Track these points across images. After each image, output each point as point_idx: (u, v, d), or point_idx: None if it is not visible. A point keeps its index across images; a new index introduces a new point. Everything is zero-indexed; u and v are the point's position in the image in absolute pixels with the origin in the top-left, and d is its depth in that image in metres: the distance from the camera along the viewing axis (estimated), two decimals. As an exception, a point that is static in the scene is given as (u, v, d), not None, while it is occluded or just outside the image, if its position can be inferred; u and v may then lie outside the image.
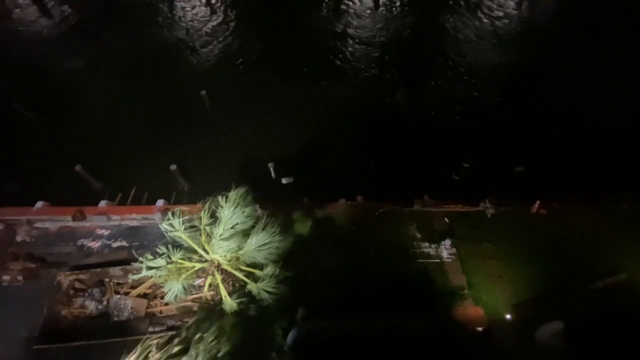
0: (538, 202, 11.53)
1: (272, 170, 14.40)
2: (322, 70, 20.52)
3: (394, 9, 26.06)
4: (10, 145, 15.58)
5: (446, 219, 11.56)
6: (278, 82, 19.22)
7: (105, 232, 11.17)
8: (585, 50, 21.17)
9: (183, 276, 7.25)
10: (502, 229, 11.17)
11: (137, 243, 10.92)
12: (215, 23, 24.56)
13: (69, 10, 25.72)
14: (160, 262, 7.19)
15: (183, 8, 26.06)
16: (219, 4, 26.56)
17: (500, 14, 25.20)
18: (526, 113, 17.48)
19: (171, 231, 7.31)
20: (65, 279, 9.51)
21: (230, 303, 7.27)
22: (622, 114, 16.67)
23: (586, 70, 19.82)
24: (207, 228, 7.45)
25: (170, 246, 7.38)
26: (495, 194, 11.64)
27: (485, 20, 24.66)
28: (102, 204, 11.87)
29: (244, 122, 16.84)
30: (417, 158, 15.24)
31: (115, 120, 17.14)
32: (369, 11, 25.77)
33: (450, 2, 26.40)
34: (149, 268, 7.17)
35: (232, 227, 7.25)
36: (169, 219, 7.36)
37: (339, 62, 21.27)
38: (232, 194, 7.49)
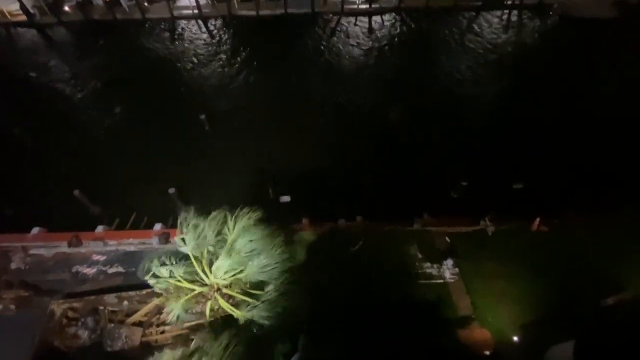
0: (538, 219, 11.46)
1: (270, 191, 14.40)
2: (319, 92, 20.99)
3: (388, 33, 27.06)
4: (9, 171, 15.63)
5: (447, 238, 11.43)
6: (276, 106, 19.62)
7: (101, 258, 10.97)
8: (582, 68, 21.85)
9: (183, 299, 7.10)
10: (504, 247, 11.04)
11: (134, 268, 10.68)
12: (215, 49, 25.39)
13: (73, 39, 26.66)
14: (164, 272, 7.11)
15: (184, 34, 27.04)
16: (220, 31, 27.60)
17: (496, 35, 26.17)
18: (522, 131, 17.74)
19: (181, 246, 7.28)
20: (58, 307, 9.22)
21: (240, 314, 7.05)
22: (619, 129, 16.96)
23: (582, 86, 20.40)
24: (211, 248, 7.36)
25: (174, 259, 7.36)
26: (494, 211, 11.58)
27: (481, 41, 25.58)
28: (99, 229, 11.75)
29: (243, 145, 17.04)
30: (414, 177, 15.31)
31: (116, 145, 17.34)
32: (364, 36, 26.74)
33: (444, 26, 27.51)
34: (155, 277, 7.08)
35: (237, 251, 7.20)
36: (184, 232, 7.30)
37: (336, 84, 21.79)
38: (240, 215, 7.48)
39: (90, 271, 10.66)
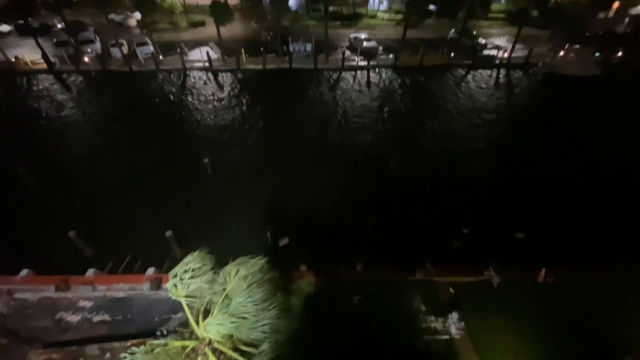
0: (544, 270, 11.13)
1: (269, 236, 14.17)
2: (320, 141, 21.68)
3: (385, 88, 28.73)
4: (9, 210, 15.53)
5: (451, 289, 10.99)
6: (278, 153, 20.15)
7: (88, 304, 10.43)
8: (572, 121, 22.88)
9: None
10: (511, 299, 10.57)
11: (120, 317, 10.12)
12: (223, 97, 26.76)
13: (84, 84, 28.24)
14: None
15: (194, 85, 28.66)
16: (227, 80, 29.33)
17: (487, 90, 27.74)
18: (522, 179, 18.01)
19: (175, 296, 6.75)
20: (36, 358, 8.57)
21: None
22: (622, 175, 17.27)
23: (584, 134, 21.16)
24: (208, 296, 6.94)
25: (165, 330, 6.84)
26: (498, 261, 11.30)
27: (477, 93, 27.07)
28: (90, 272, 11.34)
29: (244, 190, 17.14)
30: (416, 225, 15.16)
31: (117, 186, 17.44)
32: (363, 90, 28.38)
33: (437, 82, 29.31)
34: None
35: (233, 308, 6.74)
36: (175, 277, 6.81)
37: (336, 133, 22.60)
38: (246, 267, 6.97)
39: (74, 318, 10.07)
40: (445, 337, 9.84)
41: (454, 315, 10.24)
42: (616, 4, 39.63)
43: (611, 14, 41.56)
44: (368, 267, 11.66)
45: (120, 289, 10.82)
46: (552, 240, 14.17)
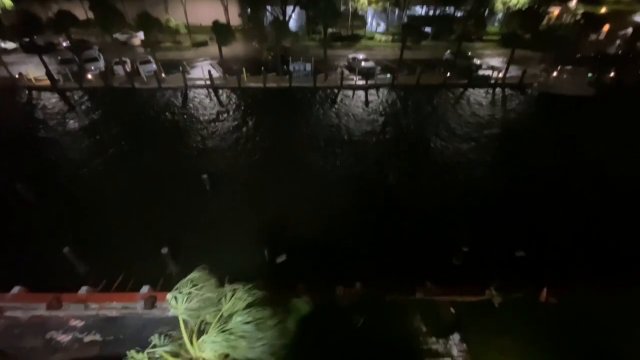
0: (545, 289, 10.96)
1: (266, 253, 13.98)
2: (319, 158, 21.78)
3: (383, 103, 29.16)
4: (5, 225, 15.34)
5: (452, 309, 10.76)
6: (278, 170, 20.17)
7: (80, 324, 10.15)
8: (581, 132, 23.09)
9: None
10: (513, 320, 10.34)
11: (112, 337, 9.83)
12: (223, 114, 27.03)
13: (86, 101, 28.55)
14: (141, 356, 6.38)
15: (195, 103, 29.03)
16: (228, 98, 29.76)
17: (487, 106, 28.16)
18: (522, 197, 17.99)
19: (174, 308, 6.65)
20: (21, 381, 8.25)
21: None
22: (623, 192, 17.28)
23: (582, 151, 21.36)
24: (205, 316, 6.79)
25: (160, 336, 6.69)
26: (499, 280, 11.13)
27: (474, 111, 27.44)
28: (83, 290, 11.10)
29: (242, 207, 17.06)
30: (415, 243, 15.02)
31: (113, 202, 17.32)
32: (361, 106, 28.80)
33: (434, 101, 29.77)
34: None
35: (229, 330, 6.61)
36: (177, 291, 6.70)
37: (335, 149, 22.72)
38: (241, 292, 6.96)
39: (65, 338, 9.77)
40: (447, 359, 9.56)
41: (455, 337, 9.99)
42: (606, 27, 40.97)
43: (602, 36, 42.92)
44: (367, 286, 11.45)
45: (113, 307, 10.57)
46: (553, 258, 14.03)
